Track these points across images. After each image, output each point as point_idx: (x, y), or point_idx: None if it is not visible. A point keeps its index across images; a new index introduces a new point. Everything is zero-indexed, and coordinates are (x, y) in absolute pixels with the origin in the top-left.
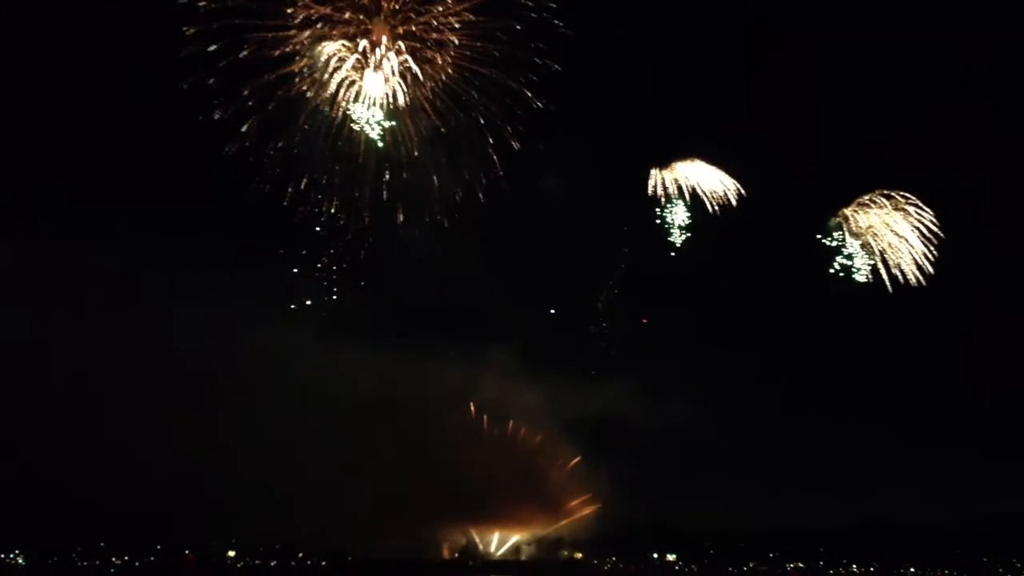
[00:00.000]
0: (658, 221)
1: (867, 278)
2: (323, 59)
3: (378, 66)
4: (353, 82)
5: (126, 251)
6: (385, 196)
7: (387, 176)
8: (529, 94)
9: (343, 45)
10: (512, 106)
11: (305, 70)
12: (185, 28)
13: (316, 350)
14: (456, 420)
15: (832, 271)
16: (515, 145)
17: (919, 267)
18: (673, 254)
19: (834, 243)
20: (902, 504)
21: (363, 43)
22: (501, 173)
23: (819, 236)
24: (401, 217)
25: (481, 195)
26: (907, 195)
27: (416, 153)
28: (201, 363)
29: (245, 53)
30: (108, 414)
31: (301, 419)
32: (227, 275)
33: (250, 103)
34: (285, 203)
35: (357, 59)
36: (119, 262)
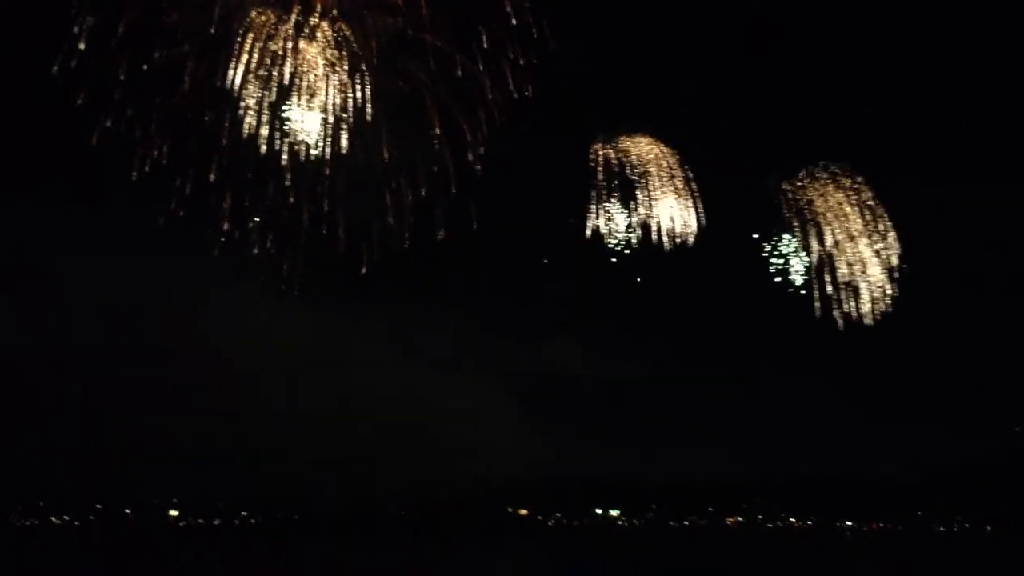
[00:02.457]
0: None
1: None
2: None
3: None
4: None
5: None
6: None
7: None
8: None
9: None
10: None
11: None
12: None
13: (259, 308)
14: (397, 377)
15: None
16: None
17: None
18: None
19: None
20: (838, 461)
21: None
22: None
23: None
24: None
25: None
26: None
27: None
28: (143, 321)
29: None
30: (40, 375)
31: (243, 377)
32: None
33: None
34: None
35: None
36: None
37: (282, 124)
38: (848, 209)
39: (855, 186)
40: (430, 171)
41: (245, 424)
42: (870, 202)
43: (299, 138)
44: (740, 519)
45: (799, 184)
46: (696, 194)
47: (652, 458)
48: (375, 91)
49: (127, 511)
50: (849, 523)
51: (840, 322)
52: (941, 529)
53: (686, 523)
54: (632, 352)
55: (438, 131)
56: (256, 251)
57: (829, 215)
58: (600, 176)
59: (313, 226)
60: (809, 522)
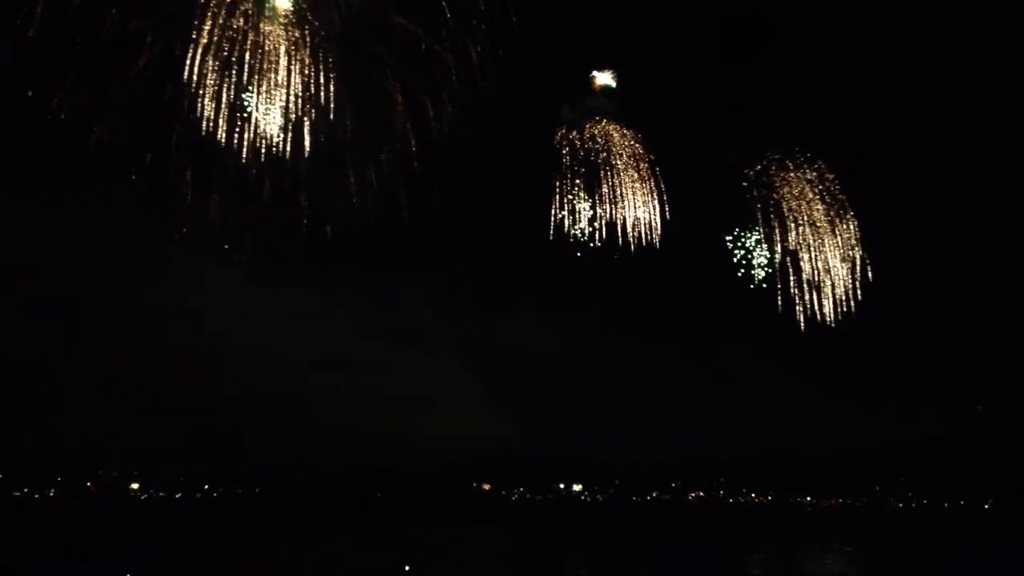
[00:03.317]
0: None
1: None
2: None
3: None
4: None
5: None
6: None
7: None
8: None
9: None
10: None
11: None
12: None
13: (223, 282)
14: (360, 354)
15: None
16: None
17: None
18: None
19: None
20: (799, 439)
21: None
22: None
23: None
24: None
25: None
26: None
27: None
28: (103, 297)
29: None
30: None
31: (204, 353)
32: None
33: None
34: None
35: None
36: None
37: (242, 107)
38: (814, 203)
39: (820, 176)
40: (393, 151)
41: (207, 399)
42: (836, 194)
43: (260, 122)
44: (702, 494)
45: (764, 171)
46: (661, 184)
47: (615, 434)
48: (338, 69)
49: (88, 483)
50: (809, 499)
51: (802, 323)
52: (899, 505)
53: (649, 498)
54: (597, 330)
55: (400, 111)
56: (217, 226)
57: (795, 207)
58: (565, 162)
59: (275, 202)
60: (769, 497)
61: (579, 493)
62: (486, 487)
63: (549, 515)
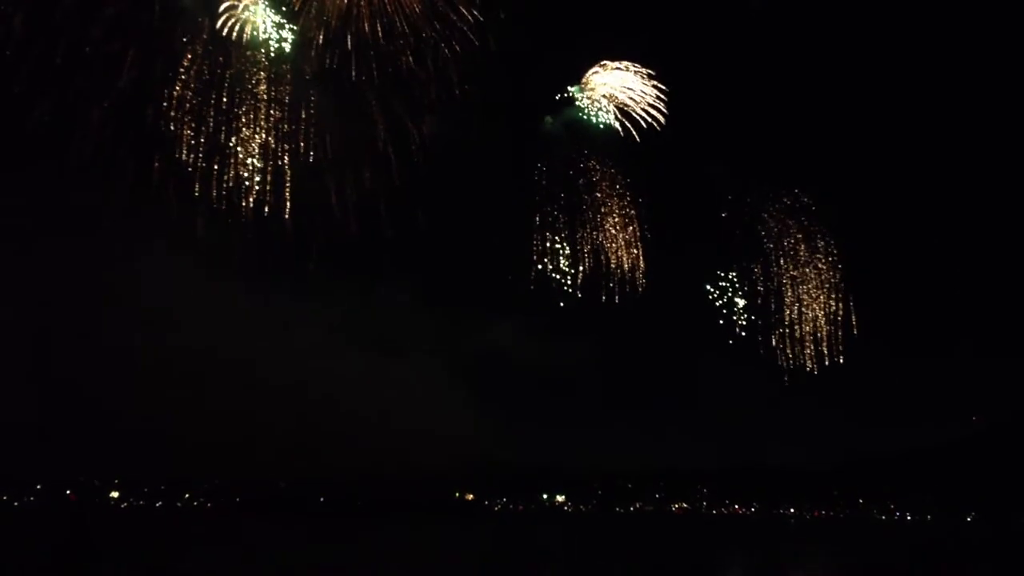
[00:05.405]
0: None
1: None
2: None
3: None
4: None
5: None
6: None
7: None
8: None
9: None
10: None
11: None
12: None
13: (204, 284)
14: (343, 362)
15: None
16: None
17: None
18: None
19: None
20: (778, 449)
21: None
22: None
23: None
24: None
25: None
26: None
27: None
28: (88, 306)
29: None
30: None
31: (188, 361)
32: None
33: None
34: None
35: None
36: None
37: (223, 144)
38: (799, 245)
39: (805, 215)
40: (374, 168)
41: (189, 406)
42: (821, 236)
43: (240, 153)
44: (685, 504)
45: (749, 210)
46: (644, 224)
47: (599, 445)
48: (319, 99)
49: (68, 492)
50: (792, 510)
51: (785, 376)
52: (882, 517)
53: (632, 508)
54: (580, 343)
55: (380, 127)
56: (202, 236)
57: (778, 249)
58: (544, 195)
59: (260, 213)
60: (753, 508)
61: (562, 503)
62: (469, 497)
63: (531, 524)
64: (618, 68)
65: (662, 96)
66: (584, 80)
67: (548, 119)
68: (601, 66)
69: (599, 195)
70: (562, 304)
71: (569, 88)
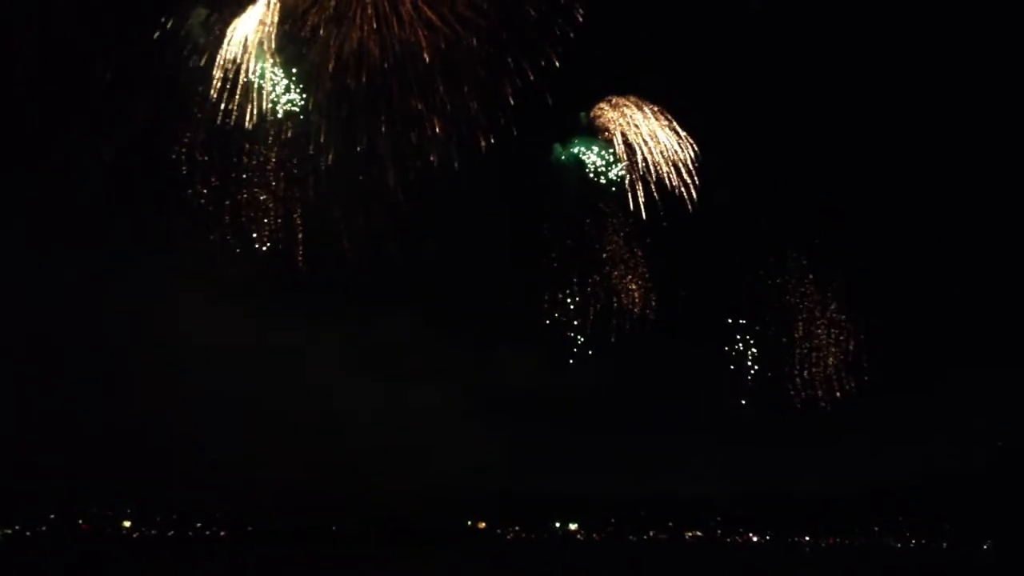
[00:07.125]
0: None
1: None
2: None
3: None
4: None
5: None
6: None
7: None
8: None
9: None
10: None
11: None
12: None
13: (211, 312)
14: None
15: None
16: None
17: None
18: None
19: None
20: (795, 475)
21: None
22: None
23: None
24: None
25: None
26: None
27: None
28: (86, 329)
29: None
30: None
31: (195, 387)
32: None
33: None
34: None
35: None
36: None
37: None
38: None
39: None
40: (383, 199)
41: (198, 434)
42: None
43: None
44: (700, 533)
45: (764, 275)
46: (653, 279)
47: (612, 473)
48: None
49: (80, 522)
50: (808, 538)
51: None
52: (897, 545)
53: (646, 537)
54: (592, 371)
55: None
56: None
57: (792, 308)
58: (553, 228)
59: (274, 250)
60: (767, 537)
61: (575, 532)
62: (481, 525)
63: (544, 553)
64: (627, 106)
65: (689, 152)
66: (594, 113)
67: (558, 148)
68: (608, 102)
69: (607, 235)
70: (573, 335)
71: (580, 118)
